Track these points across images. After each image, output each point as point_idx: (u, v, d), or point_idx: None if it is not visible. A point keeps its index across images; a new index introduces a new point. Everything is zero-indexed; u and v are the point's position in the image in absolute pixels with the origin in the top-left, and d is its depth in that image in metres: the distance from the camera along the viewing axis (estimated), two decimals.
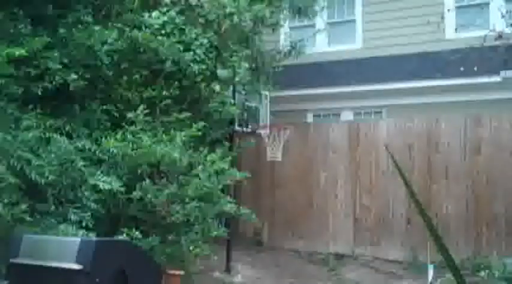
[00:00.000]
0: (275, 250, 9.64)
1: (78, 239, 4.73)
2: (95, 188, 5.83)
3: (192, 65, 7.04)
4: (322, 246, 9.45)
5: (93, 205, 5.80)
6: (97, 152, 6.21)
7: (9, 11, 6.25)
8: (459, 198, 8.41)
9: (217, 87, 7.74)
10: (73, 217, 5.63)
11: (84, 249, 4.42)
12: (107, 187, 5.79)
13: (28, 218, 5.16)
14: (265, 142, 8.73)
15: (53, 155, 5.63)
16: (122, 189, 5.99)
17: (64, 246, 4.67)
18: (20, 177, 5.37)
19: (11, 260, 4.70)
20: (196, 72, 7.14)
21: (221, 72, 7.63)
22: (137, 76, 7.22)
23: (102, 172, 6.05)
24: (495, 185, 8.27)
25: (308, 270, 8.70)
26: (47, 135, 5.81)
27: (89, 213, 5.75)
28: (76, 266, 4.34)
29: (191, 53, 7.09)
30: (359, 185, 9.35)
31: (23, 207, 5.16)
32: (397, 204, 8.95)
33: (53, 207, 5.67)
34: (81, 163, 5.82)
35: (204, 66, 7.19)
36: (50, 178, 5.47)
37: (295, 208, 9.76)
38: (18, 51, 5.57)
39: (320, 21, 11.49)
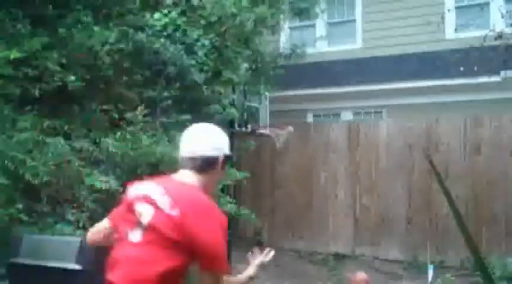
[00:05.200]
0: (275, 250, 9.62)
1: (78, 239, 4.73)
2: (92, 188, 5.83)
3: (194, 70, 7.04)
4: (322, 246, 9.45)
5: (91, 205, 5.80)
6: (95, 152, 6.21)
7: (8, 11, 6.24)
8: (459, 198, 8.41)
9: (220, 89, 7.75)
10: (70, 217, 5.64)
11: (84, 249, 4.42)
12: (104, 186, 5.79)
13: (24, 218, 5.16)
14: (273, 137, 8.82)
15: (50, 155, 5.62)
16: (120, 189, 5.99)
17: (64, 246, 4.66)
18: (15, 177, 5.37)
19: (11, 260, 4.70)
20: (198, 79, 7.13)
21: (225, 73, 7.64)
22: (137, 76, 7.22)
23: (100, 172, 6.04)
24: (495, 185, 8.27)
25: (308, 270, 8.70)
26: (43, 136, 5.80)
27: (87, 213, 5.75)
28: (76, 266, 4.34)
29: (193, 56, 7.09)
30: (359, 185, 9.34)
31: (19, 207, 5.16)
32: (397, 204, 8.95)
33: (49, 207, 5.67)
34: (78, 163, 5.82)
35: (206, 67, 7.19)
36: (44, 179, 5.46)
37: (295, 208, 9.76)
38: (13, 55, 5.57)
39: (320, 23, 11.50)
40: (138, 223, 2.21)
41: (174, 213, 2.15)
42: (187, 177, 2.33)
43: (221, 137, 2.42)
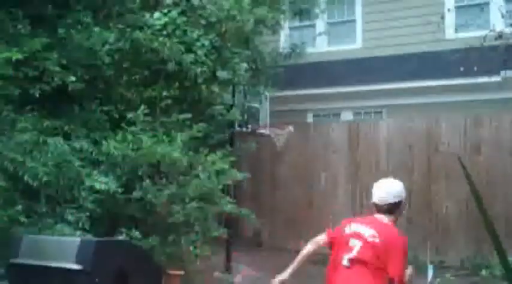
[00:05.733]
0: (275, 250, 9.63)
1: (78, 240, 4.74)
2: (92, 189, 5.82)
3: (193, 67, 7.03)
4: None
5: (90, 206, 5.79)
6: (95, 153, 6.20)
7: (8, 11, 6.24)
8: (459, 198, 8.40)
9: (217, 89, 7.75)
10: (70, 218, 5.63)
11: (84, 249, 4.42)
12: (103, 187, 5.78)
13: (23, 220, 5.14)
14: (272, 137, 8.84)
15: (49, 155, 5.61)
16: (119, 190, 5.98)
17: (64, 246, 4.67)
18: (14, 178, 5.37)
19: (11, 260, 4.70)
20: (198, 73, 7.13)
21: (221, 73, 7.63)
22: (137, 76, 7.21)
23: (100, 172, 6.03)
24: (495, 185, 8.26)
25: (308, 270, 8.68)
26: (43, 136, 5.78)
27: (87, 213, 5.74)
28: (76, 266, 4.34)
29: (192, 54, 7.08)
30: (359, 185, 9.34)
31: (18, 208, 5.14)
32: None
33: (47, 208, 5.66)
34: (77, 163, 5.81)
35: (205, 67, 7.18)
36: (44, 180, 5.45)
37: (295, 208, 9.75)
38: (15, 56, 5.56)
39: (320, 23, 11.50)
40: (349, 253, 3.26)
41: (377, 241, 3.19)
42: (382, 218, 3.35)
43: (401, 188, 3.45)
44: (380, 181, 3.60)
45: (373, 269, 3.16)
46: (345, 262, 3.28)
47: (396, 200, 3.40)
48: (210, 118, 7.72)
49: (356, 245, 3.26)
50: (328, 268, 3.50)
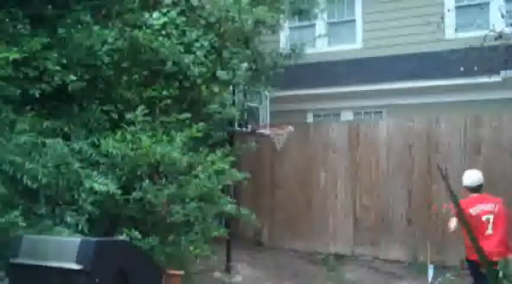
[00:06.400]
0: (275, 250, 9.64)
1: (78, 240, 4.73)
2: (91, 190, 5.81)
3: (192, 66, 7.03)
4: (322, 246, 9.45)
5: (89, 207, 5.78)
6: (94, 154, 6.19)
7: (8, 11, 6.24)
8: (459, 198, 8.38)
9: (216, 89, 7.75)
10: (69, 220, 5.62)
11: (84, 249, 4.42)
12: (103, 189, 5.77)
13: (21, 224, 5.13)
14: (272, 137, 8.87)
15: (48, 156, 5.60)
16: (119, 191, 5.97)
17: (64, 246, 4.67)
18: (14, 180, 5.36)
19: (11, 260, 4.70)
20: (197, 74, 7.13)
21: (221, 73, 7.63)
22: (137, 76, 7.21)
23: (99, 173, 6.02)
24: (495, 185, 8.24)
25: (308, 270, 8.70)
26: (42, 138, 5.77)
27: (86, 216, 5.73)
28: (76, 266, 4.34)
29: (192, 55, 7.07)
30: (359, 185, 9.34)
31: (16, 213, 5.13)
32: (397, 204, 8.94)
33: (46, 209, 5.65)
34: (77, 164, 5.80)
35: (204, 69, 7.18)
36: (43, 181, 5.44)
37: (295, 208, 9.75)
38: (14, 55, 5.56)
39: (320, 23, 11.50)
40: (487, 224, 5.55)
41: (497, 208, 5.62)
42: (485, 193, 5.80)
43: (481, 174, 5.88)
44: (469, 171, 5.96)
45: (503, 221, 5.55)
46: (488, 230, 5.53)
47: (482, 182, 5.78)
48: (208, 117, 7.71)
49: (490, 217, 5.53)
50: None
